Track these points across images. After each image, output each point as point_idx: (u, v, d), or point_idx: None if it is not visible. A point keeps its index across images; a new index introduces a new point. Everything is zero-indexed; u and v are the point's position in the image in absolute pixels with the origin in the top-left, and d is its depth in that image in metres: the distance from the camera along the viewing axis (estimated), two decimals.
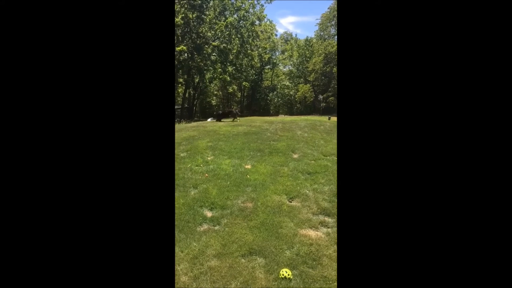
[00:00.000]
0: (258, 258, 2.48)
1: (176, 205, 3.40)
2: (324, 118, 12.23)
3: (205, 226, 3.01)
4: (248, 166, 4.76)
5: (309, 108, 27.33)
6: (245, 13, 19.21)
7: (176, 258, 2.46)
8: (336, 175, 4.27)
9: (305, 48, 28.60)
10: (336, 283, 2.18)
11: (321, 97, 26.23)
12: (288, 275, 2.24)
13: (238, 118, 12.28)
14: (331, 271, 2.32)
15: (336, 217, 3.18)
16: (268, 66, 29.26)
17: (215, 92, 29.12)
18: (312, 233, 2.90)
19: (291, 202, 3.58)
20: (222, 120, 12.15)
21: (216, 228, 2.98)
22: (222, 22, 17.44)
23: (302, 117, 13.25)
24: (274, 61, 29.33)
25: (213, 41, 17.98)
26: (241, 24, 19.37)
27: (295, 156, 5.42)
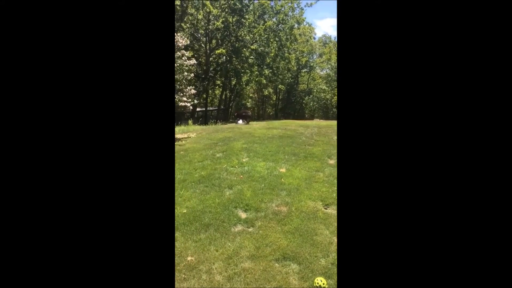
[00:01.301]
0: (292, 264, 2.45)
1: (212, 205, 3.48)
2: None
3: (239, 227, 3.04)
4: (283, 170, 4.73)
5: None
6: (284, 17, 19.22)
7: (211, 257, 2.51)
8: None
9: None
10: None
11: None
12: (323, 284, 2.18)
13: (249, 122, 12.26)
14: None
15: None
16: (305, 69, 28.97)
17: (251, 95, 29.44)
18: None
19: (326, 209, 3.49)
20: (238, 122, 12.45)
21: (250, 230, 3.00)
22: (261, 26, 17.61)
23: None
24: (311, 64, 28.97)
25: (251, 44, 18.22)
26: (279, 28, 19.42)
27: (331, 161, 5.29)
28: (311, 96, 28.86)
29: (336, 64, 28.56)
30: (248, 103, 29.93)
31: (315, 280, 2.22)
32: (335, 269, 2.38)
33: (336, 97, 26.59)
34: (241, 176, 4.43)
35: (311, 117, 27.48)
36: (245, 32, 17.77)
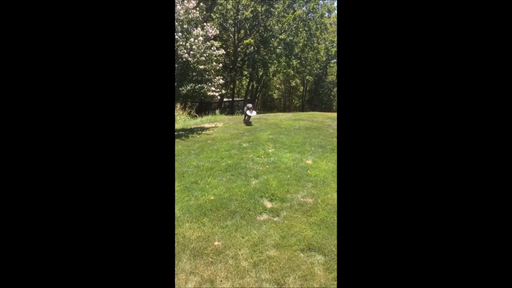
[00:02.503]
0: (317, 255, 2.45)
1: (238, 193, 3.54)
2: None
3: (264, 216, 3.08)
4: (309, 162, 4.69)
5: None
6: (314, 5, 18.67)
7: (237, 243, 2.58)
8: None
9: None
10: None
11: None
12: None
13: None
14: None
15: None
16: (334, 60, 28.10)
17: (278, 86, 29.20)
18: None
19: None
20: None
21: (275, 219, 3.03)
22: (290, 15, 17.26)
23: None
24: None
25: (280, 34, 17.96)
26: (309, 17, 18.92)
27: None
28: None
29: None
30: (274, 94, 29.74)
31: None
32: None
33: None
34: (267, 166, 4.46)
35: None
36: (273, 22, 17.53)
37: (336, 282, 2.14)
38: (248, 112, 7.77)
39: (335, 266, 2.30)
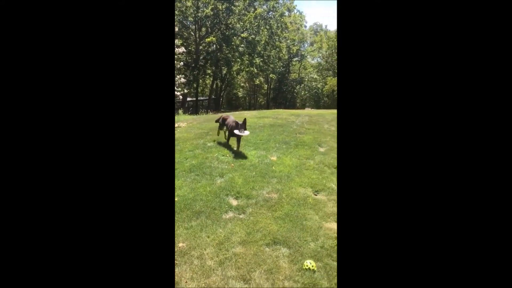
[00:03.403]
0: (282, 248, 2.50)
1: (203, 193, 3.49)
2: None
3: (230, 214, 3.07)
4: (274, 158, 4.77)
5: (336, 101, 26.62)
6: (275, 4, 18.95)
7: (202, 243, 2.54)
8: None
9: (335, 39, 27.74)
10: None
11: None
12: (312, 266, 2.24)
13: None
14: None
15: None
16: (296, 58, 28.81)
17: (242, 84, 29.21)
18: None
19: (316, 195, 3.55)
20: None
21: (241, 216, 3.04)
22: (251, 13, 17.34)
23: (330, 110, 12.94)
24: (303, 53, 28.81)
25: (242, 32, 17.97)
26: (270, 15, 19.16)
27: (322, 149, 5.34)
28: (302, 85, 28.83)
29: (327, 53, 28.51)
30: (239, 93, 29.72)
31: (305, 263, 2.28)
32: (324, 252, 2.44)
33: (327, 86, 26.63)
34: (232, 165, 4.45)
35: (302, 106, 27.49)
36: (235, 20, 17.49)
37: (300, 273, 2.21)
38: (237, 132, 4.81)
39: (300, 258, 2.37)
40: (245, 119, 4.96)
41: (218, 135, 5.85)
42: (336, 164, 4.51)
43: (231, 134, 5.14)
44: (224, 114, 5.91)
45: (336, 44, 27.50)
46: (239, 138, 5.01)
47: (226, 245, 2.51)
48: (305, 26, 30.46)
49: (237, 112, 12.20)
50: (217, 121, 6.05)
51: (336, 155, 4.92)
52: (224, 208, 3.16)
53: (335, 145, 5.52)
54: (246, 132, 4.95)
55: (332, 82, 26.33)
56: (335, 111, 14.00)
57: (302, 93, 28.94)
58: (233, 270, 2.22)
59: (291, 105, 27.44)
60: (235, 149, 5.06)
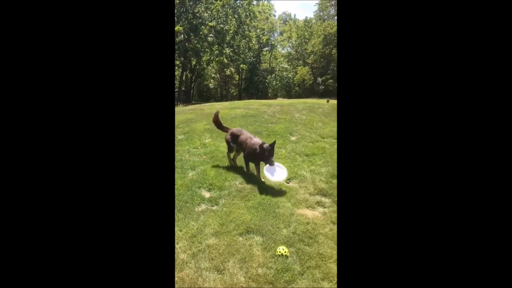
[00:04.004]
0: (255, 237, 2.53)
1: (174, 186, 3.42)
2: (323, 101, 12.13)
3: (203, 207, 3.04)
4: None
5: (307, 91, 27.10)
6: None
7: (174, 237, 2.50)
8: (333, 157, 4.29)
9: (304, 29, 28.01)
10: (331, 261, 2.24)
11: (319, 79, 25.95)
12: (285, 252, 2.29)
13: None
14: (327, 249, 2.37)
15: (332, 197, 3.22)
16: (266, 48, 28.77)
17: (213, 75, 28.72)
18: (308, 212, 2.95)
19: (288, 183, 3.61)
20: None
21: (214, 208, 3.02)
22: (218, 2, 16.94)
23: (301, 100, 13.16)
24: (273, 42, 28.80)
25: (210, 21, 17.54)
26: (238, 4, 18.85)
27: (293, 138, 5.42)
28: (273, 75, 28.93)
29: (297, 42, 28.73)
30: (210, 84, 29.24)
31: (277, 249, 2.32)
32: (296, 238, 2.51)
33: (298, 75, 26.93)
34: (204, 157, 4.39)
35: (274, 96, 27.70)
36: (202, 9, 17.01)
37: (273, 260, 2.25)
38: (267, 174, 3.32)
39: (272, 245, 2.41)
40: (274, 142, 3.44)
41: (232, 161, 4.10)
42: (307, 152, 4.61)
43: (250, 161, 3.74)
44: (234, 129, 4.08)
45: (305, 34, 27.78)
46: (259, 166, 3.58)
47: (199, 238, 2.49)
48: (274, 16, 30.40)
49: (208, 104, 12.00)
50: (223, 129, 4.26)
51: (307, 144, 5.03)
52: (197, 201, 3.12)
53: (306, 134, 5.64)
54: (282, 175, 3.36)
55: (302, 71, 26.70)
56: (306, 100, 14.25)
57: (274, 83, 29.07)
58: (206, 262, 2.21)
59: (263, 96, 27.51)
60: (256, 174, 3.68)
